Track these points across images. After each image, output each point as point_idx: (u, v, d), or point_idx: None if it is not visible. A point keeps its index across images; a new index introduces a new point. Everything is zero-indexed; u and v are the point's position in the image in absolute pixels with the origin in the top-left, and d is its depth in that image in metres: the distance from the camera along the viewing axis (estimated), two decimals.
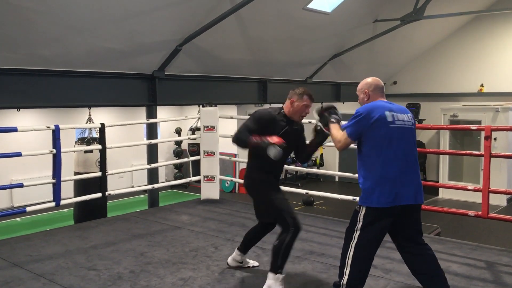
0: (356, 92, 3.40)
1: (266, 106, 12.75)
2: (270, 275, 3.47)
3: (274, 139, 3.40)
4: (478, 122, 10.08)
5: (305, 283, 3.73)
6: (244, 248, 4.01)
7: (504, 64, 11.61)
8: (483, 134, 4.76)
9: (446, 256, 4.34)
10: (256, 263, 4.10)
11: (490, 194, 4.78)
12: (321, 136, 3.71)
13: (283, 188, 7.51)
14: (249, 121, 3.63)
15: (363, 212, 3.09)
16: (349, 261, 3.09)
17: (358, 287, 3.12)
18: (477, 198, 4.94)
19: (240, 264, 4.04)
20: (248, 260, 4.09)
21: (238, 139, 3.57)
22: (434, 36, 12.13)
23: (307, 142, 3.88)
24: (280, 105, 3.80)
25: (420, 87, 12.53)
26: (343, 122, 3.37)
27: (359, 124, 3.11)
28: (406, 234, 3.17)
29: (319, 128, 3.59)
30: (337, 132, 3.30)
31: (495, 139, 9.84)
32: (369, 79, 3.36)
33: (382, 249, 4.58)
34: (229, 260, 4.08)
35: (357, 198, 5.60)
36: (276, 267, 3.44)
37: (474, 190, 5.09)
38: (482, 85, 11.84)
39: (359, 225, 3.09)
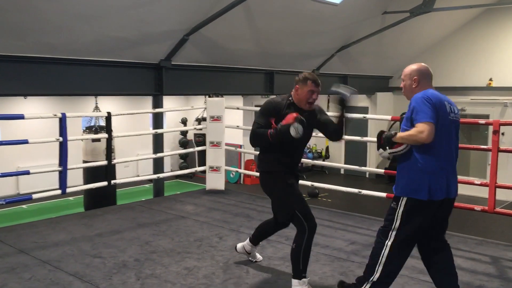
0: (401, 77, 3.14)
1: (273, 97, 12.76)
2: (295, 282, 3.31)
3: (288, 118, 3.21)
4: (486, 117, 10.02)
5: (307, 274, 3.73)
6: (255, 240, 3.92)
7: None
8: (491, 128, 4.72)
9: (452, 250, 4.32)
10: (260, 258, 4.04)
11: (497, 189, 4.76)
12: (342, 108, 3.42)
13: None
14: (257, 118, 3.45)
15: (406, 206, 2.94)
16: (382, 260, 2.99)
17: (385, 287, 3.07)
18: (484, 193, 4.91)
19: (247, 254, 3.99)
20: (256, 253, 4.03)
21: (255, 139, 3.41)
22: (443, 29, 12.01)
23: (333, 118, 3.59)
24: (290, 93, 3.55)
25: None
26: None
27: (433, 108, 2.85)
28: (434, 229, 3.08)
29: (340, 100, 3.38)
30: (409, 131, 2.91)
31: (503, 133, 9.77)
32: (415, 66, 3.10)
33: None
34: (239, 246, 4.02)
35: (363, 191, 5.62)
36: (299, 272, 3.30)
37: (481, 184, 5.06)
38: (491, 79, 11.72)
39: (397, 223, 2.96)
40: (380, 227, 3.11)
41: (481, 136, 11.09)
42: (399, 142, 2.96)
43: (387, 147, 3.00)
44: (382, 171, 6.45)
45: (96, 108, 7.41)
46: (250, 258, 4.02)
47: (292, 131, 3.17)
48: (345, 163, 13.30)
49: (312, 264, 3.95)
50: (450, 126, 2.97)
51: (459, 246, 4.45)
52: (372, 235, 4.78)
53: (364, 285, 3.06)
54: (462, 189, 11.47)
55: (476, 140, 11.13)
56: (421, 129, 2.81)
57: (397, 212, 2.97)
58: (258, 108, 11.53)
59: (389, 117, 6.15)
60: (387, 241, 2.99)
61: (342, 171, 14.33)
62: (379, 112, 12.85)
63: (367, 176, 13.67)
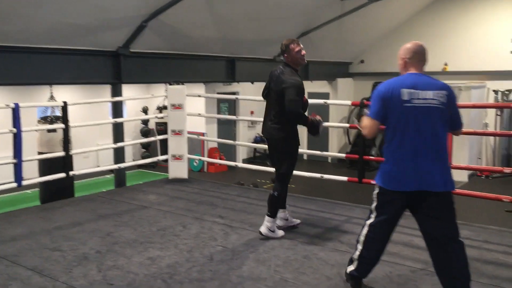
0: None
1: (235, 84, 12.75)
2: (269, 219, 4.18)
3: (318, 117, 4.11)
4: None
5: (270, 259, 3.77)
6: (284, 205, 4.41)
7: (467, 43, 11.88)
8: None
9: (410, 230, 4.43)
10: (297, 221, 4.51)
11: (453, 170, 4.91)
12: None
13: (251, 166, 7.51)
14: (296, 95, 4.02)
15: (376, 191, 3.01)
16: (361, 238, 3.08)
17: (367, 266, 3.12)
18: None
19: (286, 220, 4.41)
20: (292, 219, 4.47)
21: (297, 118, 4.07)
22: (400, 15, 12.25)
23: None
24: (280, 66, 4.28)
25: (386, 66, 12.66)
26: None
27: (380, 102, 2.88)
28: (425, 225, 2.98)
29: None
30: (364, 120, 3.03)
31: None
32: (409, 44, 3.01)
33: (349, 224, 4.67)
34: (278, 221, 4.34)
35: (325, 176, 5.71)
36: (274, 213, 4.18)
37: None
38: (446, 64, 12.09)
39: (373, 205, 3.04)
40: None
41: None
42: None
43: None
44: (343, 155, 6.56)
45: (52, 98, 7.16)
46: (289, 225, 4.42)
47: (322, 129, 4.20)
48: (307, 149, 13.46)
49: (276, 249, 3.99)
50: (414, 113, 2.81)
51: (416, 226, 4.58)
52: (335, 219, 4.88)
53: (351, 264, 3.17)
54: None
55: None
56: (364, 124, 3.02)
57: (373, 195, 3.06)
58: (220, 96, 11.44)
59: (349, 102, 6.24)
60: (366, 221, 3.09)
61: (305, 157, 14.49)
62: (340, 98, 13.03)
63: (329, 161, 13.88)
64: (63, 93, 10.66)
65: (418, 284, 3.31)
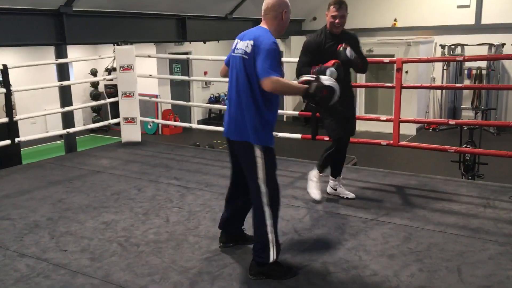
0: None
1: (187, 44, 12.45)
2: (314, 172, 4.08)
3: (329, 63, 3.51)
4: (392, 56, 10.48)
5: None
6: (334, 173, 4.17)
7: None
8: (395, 67, 4.95)
9: (361, 183, 4.61)
10: (351, 195, 4.14)
11: (401, 124, 5.07)
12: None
13: (206, 127, 7.46)
14: (301, 55, 3.78)
15: None
16: None
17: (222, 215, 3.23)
18: (390, 128, 5.21)
19: (335, 191, 4.18)
20: (344, 190, 4.17)
21: (297, 76, 3.62)
22: None
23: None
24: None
25: None
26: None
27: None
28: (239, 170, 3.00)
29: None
30: None
31: (406, 72, 10.33)
32: None
33: (303, 180, 4.76)
34: (328, 189, 4.20)
35: (279, 134, 5.75)
36: (321, 168, 4.06)
37: (386, 120, 5.36)
38: (395, 20, 12.23)
39: None
40: None
41: (387, 75, 11.65)
42: None
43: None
44: (297, 113, 6.61)
45: None
46: (342, 195, 4.15)
47: (328, 73, 3.41)
48: None
49: None
50: (234, 63, 2.87)
51: (368, 179, 4.75)
52: (290, 175, 4.96)
53: None
54: (372, 127, 12.19)
55: (383, 78, 11.68)
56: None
57: None
58: (171, 56, 11.18)
59: None
60: None
61: None
62: (293, 56, 12.97)
63: (284, 119, 13.98)
64: (5, 56, 10.07)
65: (368, 234, 3.45)
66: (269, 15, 2.87)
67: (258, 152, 2.79)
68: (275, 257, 2.85)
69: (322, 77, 2.87)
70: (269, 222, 2.83)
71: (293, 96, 3.67)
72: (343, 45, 3.64)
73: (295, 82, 2.97)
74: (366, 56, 4.04)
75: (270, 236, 2.83)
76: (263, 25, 2.90)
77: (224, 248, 3.24)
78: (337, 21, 3.68)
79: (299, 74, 3.67)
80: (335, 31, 3.75)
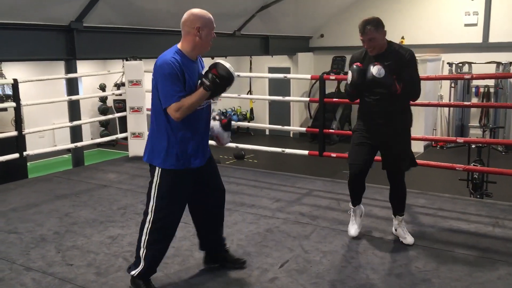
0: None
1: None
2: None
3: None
4: None
5: (233, 233, 3.79)
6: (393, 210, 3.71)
7: (423, 17, 12.08)
8: None
9: (368, 200, 4.57)
10: (408, 240, 3.54)
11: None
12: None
13: (213, 142, 7.50)
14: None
15: None
16: None
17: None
18: None
19: (396, 232, 3.65)
20: (402, 232, 3.61)
21: (346, 91, 3.57)
22: None
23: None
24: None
25: (346, 40, 12.76)
26: None
27: None
28: None
29: None
30: None
31: None
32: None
33: (310, 197, 4.74)
34: (393, 229, 3.69)
35: (286, 150, 5.75)
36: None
37: None
38: (403, 38, 12.27)
39: None
40: None
41: None
42: None
43: None
44: (304, 129, 6.61)
45: (1, 75, 6.83)
46: (401, 239, 3.59)
47: (348, 75, 3.38)
48: (269, 124, 13.50)
49: (239, 224, 4.01)
50: None
51: (375, 197, 4.71)
52: (297, 192, 4.95)
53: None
54: None
55: None
56: None
57: None
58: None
59: (308, 76, 6.26)
60: None
61: (267, 132, 14.54)
62: (301, 72, 13.06)
63: (291, 135, 13.99)
64: (15, 71, 10.20)
65: (376, 252, 3.41)
66: (183, 30, 2.75)
67: (156, 173, 2.78)
68: (135, 274, 2.82)
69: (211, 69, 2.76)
70: (144, 239, 2.80)
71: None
72: (376, 63, 3.31)
73: (195, 92, 2.73)
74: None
75: (142, 251, 2.80)
76: (180, 42, 2.76)
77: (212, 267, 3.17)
78: (365, 46, 3.40)
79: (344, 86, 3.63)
80: (370, 54, 3.41)
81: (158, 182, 2.79)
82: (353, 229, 3.68)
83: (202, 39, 2.74)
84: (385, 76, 3.28)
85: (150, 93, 2.83)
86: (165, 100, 2.64)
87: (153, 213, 2.81)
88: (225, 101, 14.32)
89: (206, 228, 3.11)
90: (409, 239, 3.54)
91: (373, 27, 3.33)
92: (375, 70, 3.29)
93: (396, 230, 3.65)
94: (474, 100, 11.68)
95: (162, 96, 2.65)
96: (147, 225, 2.81)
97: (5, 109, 6.50)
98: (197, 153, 2.83)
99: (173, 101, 2.62)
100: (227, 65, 2.79)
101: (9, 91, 6.80)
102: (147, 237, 2.81)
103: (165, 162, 2.76)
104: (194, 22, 2.72)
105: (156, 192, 2.80)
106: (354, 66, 3.41)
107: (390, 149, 3.53)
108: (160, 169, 2.78)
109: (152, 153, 2.81)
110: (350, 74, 3.43)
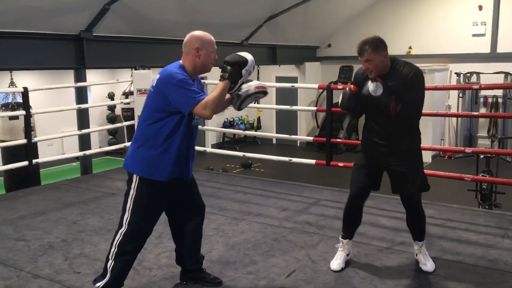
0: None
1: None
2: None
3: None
4: None
5: (240, 242, 3.79)
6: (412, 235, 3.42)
7: (431, 27, 12.08)
8: None
9: (376, 210, 4.55)
10: (427, 267, 3.28)
11: None
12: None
13: (220, 151, 7.48)
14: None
15: None
16: None
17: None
18: None
19: (416, 257, 3.38)
20: (422, 257, 3.32)
21: (342, 105, 3.31)
22: None
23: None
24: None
25: (353, 49, 12.48)
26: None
27: None
28: None
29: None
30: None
31: None
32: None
33: (317, 206, 4.74)
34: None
35: (293, 159, 5.75)
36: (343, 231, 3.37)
37: None
38: (410, 48, 12.28)
39: None
40: None
41: None
42: None
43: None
44: (311, 138, 6.61)
45: (12, 84, 6.91)
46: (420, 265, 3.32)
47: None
48: (276, 133, 13.51)
49: (246, 233, 4.01)
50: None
51: (383, 206, 4.69)
52: (303, 201, 4.94)
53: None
54: None
55: None
56: None
57: None
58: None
59: (316, 86, 6.28)
60: None
61: (274, 141, 14.54)
62: (308, 81, 13.08)
63: (298, 144, 13.98)
64: (26, 79, 10.30)
65: (384, 262, 3.39)
66: (183, 50, 2.81)
67: (133, 184, 2.77)
68: (101, 286, 2.78)
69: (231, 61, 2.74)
70: (112, 251, 2.77)
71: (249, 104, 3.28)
72: (378, 79, 3.13)
73: (216, 87, 2.72)
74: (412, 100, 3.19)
75: (109, 263, 2.77)
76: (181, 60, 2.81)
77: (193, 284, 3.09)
78: (363, 67, 3.19)
79: None
80: (370, 76, 3.17)
81: (134, 194, 2.77)
82: (335, 263, 3.31)
83: (201, 60, 2.77)
84: (381, 96, 3.08)
85: None
86: (188, 104, 2.62)
87: (126, 225, 2.76)
88: (232, 110, 14.34)
89: (183, 243, 3.06)
90: (429, 266, 3.25)
91: (370, 48, 3.08)
92: (371, 87, 3.14)
93: (417, 255, 3.37)
94: (482, 110, 11.61)
95: (181, 103, 2.63)
96: (117, 237, 2.77)
97: (17, 117, 6.55)
98: (180, 166, 2.82)
99: (197, 100, 2.61)
100: (240, 53, 2.78)
101: (20, 100, 6.86)
102: (119, 252, 2.77)
103: (145, 172, 2.74)
104: (194, 43, 2.77)
105: (132, 204, 2.77)
106: (347, 89, 3.24)
107: (394, 172, 3.23)
108: (138, 178, 2.75)
109: (133, 162, 2.79)
110: (341, 96, 3.29)
